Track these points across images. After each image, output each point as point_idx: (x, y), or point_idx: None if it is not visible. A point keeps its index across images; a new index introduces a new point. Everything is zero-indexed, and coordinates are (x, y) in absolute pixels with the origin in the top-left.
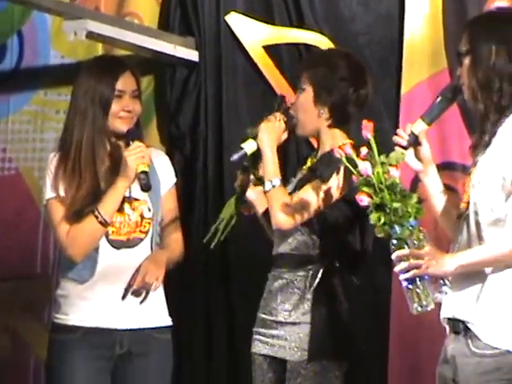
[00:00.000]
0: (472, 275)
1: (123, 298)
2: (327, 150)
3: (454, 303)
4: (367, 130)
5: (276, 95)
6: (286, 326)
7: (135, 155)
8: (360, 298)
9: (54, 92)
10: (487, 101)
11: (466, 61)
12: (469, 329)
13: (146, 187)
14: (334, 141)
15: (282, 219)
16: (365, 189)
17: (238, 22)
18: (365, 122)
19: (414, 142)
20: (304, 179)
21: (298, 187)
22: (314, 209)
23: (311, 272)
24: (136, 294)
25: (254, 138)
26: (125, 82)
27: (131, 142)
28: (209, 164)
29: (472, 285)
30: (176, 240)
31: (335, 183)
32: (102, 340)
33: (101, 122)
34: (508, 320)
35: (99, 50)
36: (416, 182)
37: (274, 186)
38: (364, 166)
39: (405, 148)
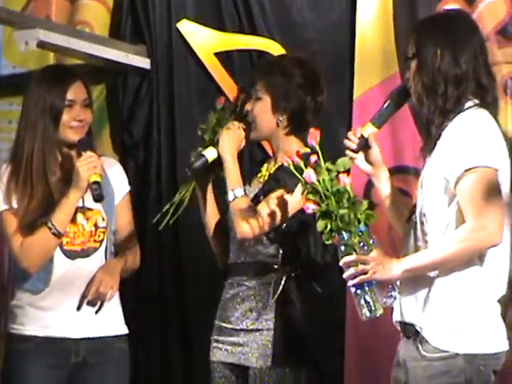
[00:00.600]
0: (420, 279)
1: (78, 308)
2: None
3: (403, 307)
4: (312, 138)
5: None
6: (247, 334)
7: (87, 165)
8: (318, 305)
9: (6, 102)
10: (432, 104)
11: (413, 64)
12: (418, 332)
13: (98, 197)
14: (291, 148)
15: (246, 229)
16: (310, 196)
17: (189, 30)
18: (312, 130)
19: (364, 145)
20: (267, 188)
21: (260, 196)
22: (278, 219)
23: (274, 280)
24: (91, 304)
25: (215, 145)
26: (75, 92)
27: (83, 152)
28: (162, 172)
29: (420, 289)
30: (132, 249)
31: (299, 193)
32: (58, 349)
33: (51, 132)
34: (455, 323)
35: (51, 59)
36: (369, 186)
37: (236, 197)
38: (307, 173)
39: (355, 152)
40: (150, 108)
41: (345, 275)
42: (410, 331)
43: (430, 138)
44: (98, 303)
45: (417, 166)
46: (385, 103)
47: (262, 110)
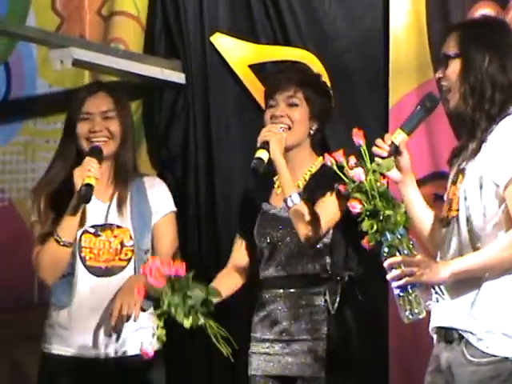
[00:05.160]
0: (466, 283)
1: (110, 335)
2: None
3: (447, 312)
4: (358, 137)
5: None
6: (298, 343)
7: (80, 171)
8: (361, 312)
9: (43, 121)
10: (478, 107)
11: (456, 64)
12: (463, 337)
13: (83, 199)
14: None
15: (308, 232)
16: (357, 195)
17: (222, 43)
18: (355, 130)
19: (395, 152)
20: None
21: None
22: (333, 221)
23: (327, 289)
24: (114, 330)
25: (265, 148)
26: (92, 104)
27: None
28: (200, 186)
29: (466, 292)
30: None
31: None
32: (86, 367)
33: (67, 146)
34: (505, 327)
35: (86, 77)
36: None
37: (295, 203)
38: (357, 172)
39: (384, 159)
40: (187, 123)
41: (389, 276)
42: (454, 336)
43: (472, 141)
44: (121, 328)
45: None
46: (415, 109)
47: (301, 114)
